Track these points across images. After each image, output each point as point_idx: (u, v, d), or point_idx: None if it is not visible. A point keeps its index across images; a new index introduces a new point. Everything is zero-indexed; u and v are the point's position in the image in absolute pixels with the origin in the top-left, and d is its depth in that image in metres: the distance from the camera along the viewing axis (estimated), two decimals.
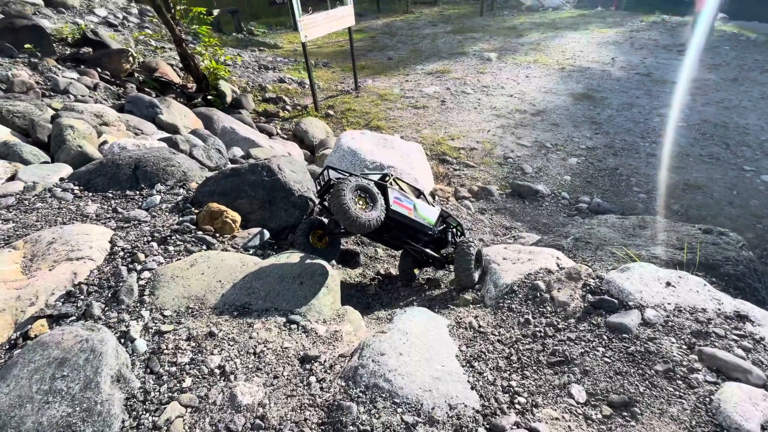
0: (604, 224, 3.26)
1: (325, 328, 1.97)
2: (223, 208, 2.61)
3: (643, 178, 6.99)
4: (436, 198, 5.92)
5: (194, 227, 2.53)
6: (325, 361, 1.75)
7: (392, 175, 2.82)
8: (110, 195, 2.80)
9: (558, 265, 2.55)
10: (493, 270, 2.59)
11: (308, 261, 2.30)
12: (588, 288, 2.22)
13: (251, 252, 2.48)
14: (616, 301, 2.07)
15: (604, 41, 13.48)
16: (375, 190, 2.37)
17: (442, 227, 3.00)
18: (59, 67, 5.91)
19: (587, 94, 9.98)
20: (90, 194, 2.78)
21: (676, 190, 6.66)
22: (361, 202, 2.28)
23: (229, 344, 1.74)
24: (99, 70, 7.00)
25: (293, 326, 1.94)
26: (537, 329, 2.03)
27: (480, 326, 2.15)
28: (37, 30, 6.39)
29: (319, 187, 2.56)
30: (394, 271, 3.32)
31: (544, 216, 5.90)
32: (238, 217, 2.67)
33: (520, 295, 2.32)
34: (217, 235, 2.55)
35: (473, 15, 17.76)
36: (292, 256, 2.32)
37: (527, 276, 2.45)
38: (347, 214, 2.11)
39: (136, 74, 7.65)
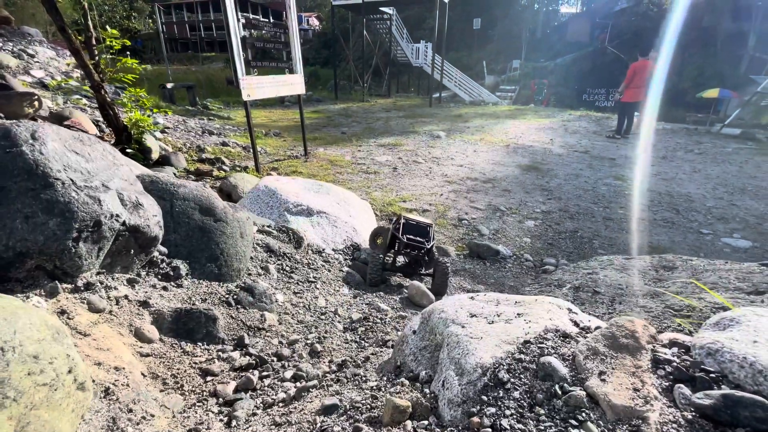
0: (610, 267, 2.06)
1: None
2: None
3: (605, 240, 6.23)
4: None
5: None
6: None
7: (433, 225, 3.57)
8: None
9: (575, 323, 1.22)
10: (455, 340, 1.22)
11: None
12: (670, 369, 0.90)
13: None
14: (765, 400, 0.76)
15: (541, 127, 14.00)
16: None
17: None
18: None
19: (534, 165, 9.75)
20: None
21: (642, 253, 5.86)
22: None
23: None
24: None
25: None
26: None
27: None
28: None
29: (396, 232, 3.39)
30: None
31: (510, 278, 4.72)
32: None
33: (517, 393, 0.94)
34: None
35: (423, 105, 18.45)
36: None
37: (523, 347, 1.10)
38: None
39: (39, 120, 6.26)
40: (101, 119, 7.62)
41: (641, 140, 12.08)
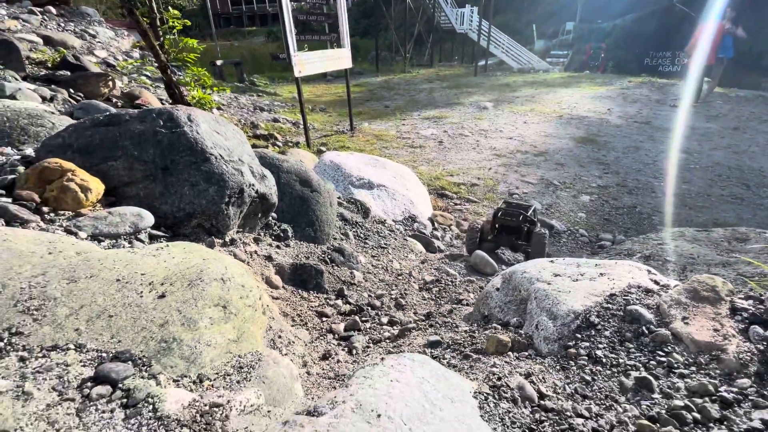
0: (681, 238, 2.17)
1: (190, 398, 0.82)
2: (68, 165, 1.51)
3: (666, 217, 6.04)
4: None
5: (2, 193, 1.44)
6: None
7: (534, 207, 3.92)
8: None
9: (655, 282, 1.40)
10: (543, 293, 1.45)
11: (196, 257, 1.16)
12: (746, 315, 1.08)
13: (105, 244, 1.35)
14: None
15: (597, 96, 13.29)
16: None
17: None
18: (16, 77, 5.13)
19: (589, 138, 9.38)
20: None
21: None
22: None
23: None
24: (72, 91, 6.28)
25: (103, 391, 0.78)
26: (676, 402, 0.86)
27: (544, 394, 0.97)
28: (6, 45, 5.73)
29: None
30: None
31: (565, 252, 4.81)
32: (96, 185, 1.55)
33: (607, 333, 1.16)
34: (46, 208, 1.45)
35: (467, 75, 17.96)
36: (175, 248, 1.21)
37: (610, 299, 1.31)
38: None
39: (114, 99, 6.91)
40: (165, 97, 8.23)
41: (711, 109, 11.21)
